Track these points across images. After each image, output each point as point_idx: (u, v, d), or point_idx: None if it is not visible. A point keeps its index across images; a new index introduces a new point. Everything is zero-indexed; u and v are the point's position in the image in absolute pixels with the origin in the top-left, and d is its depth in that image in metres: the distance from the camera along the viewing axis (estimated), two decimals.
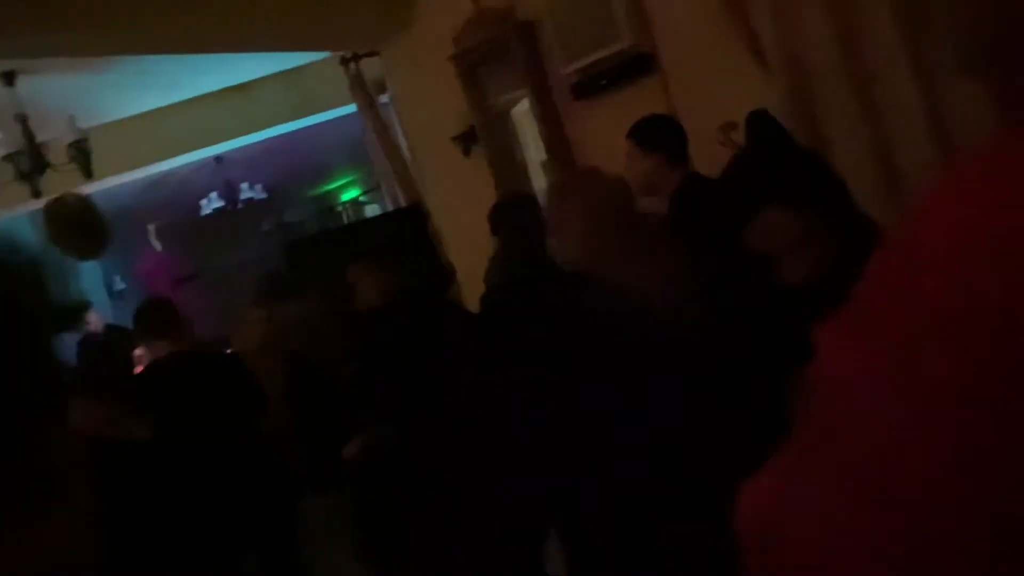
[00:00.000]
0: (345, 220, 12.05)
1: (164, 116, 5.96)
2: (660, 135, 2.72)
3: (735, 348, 1.53)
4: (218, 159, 7.54)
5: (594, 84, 3.71)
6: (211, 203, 8.37)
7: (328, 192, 12.43)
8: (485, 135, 4.28)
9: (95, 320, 5.52)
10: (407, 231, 4.86)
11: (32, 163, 4.29)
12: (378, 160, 5.82)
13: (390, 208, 7.10)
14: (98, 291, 8.00)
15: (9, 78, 4.35)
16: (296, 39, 4.51)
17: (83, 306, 5.14)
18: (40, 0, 3.12)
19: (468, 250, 4.53)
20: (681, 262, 1.72)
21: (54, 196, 4.55)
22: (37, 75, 4.59)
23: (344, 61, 4.94)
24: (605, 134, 3.62)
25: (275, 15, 3.97)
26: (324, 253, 4.72)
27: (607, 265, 1.69)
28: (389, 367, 2.86)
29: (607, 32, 3.55)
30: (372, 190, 11.79)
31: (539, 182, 4.37)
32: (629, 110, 3.48)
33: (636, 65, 3.47)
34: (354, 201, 12.26)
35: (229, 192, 8.29)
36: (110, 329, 5.32)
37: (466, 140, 4.33)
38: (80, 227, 4.48)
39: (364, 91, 5.02)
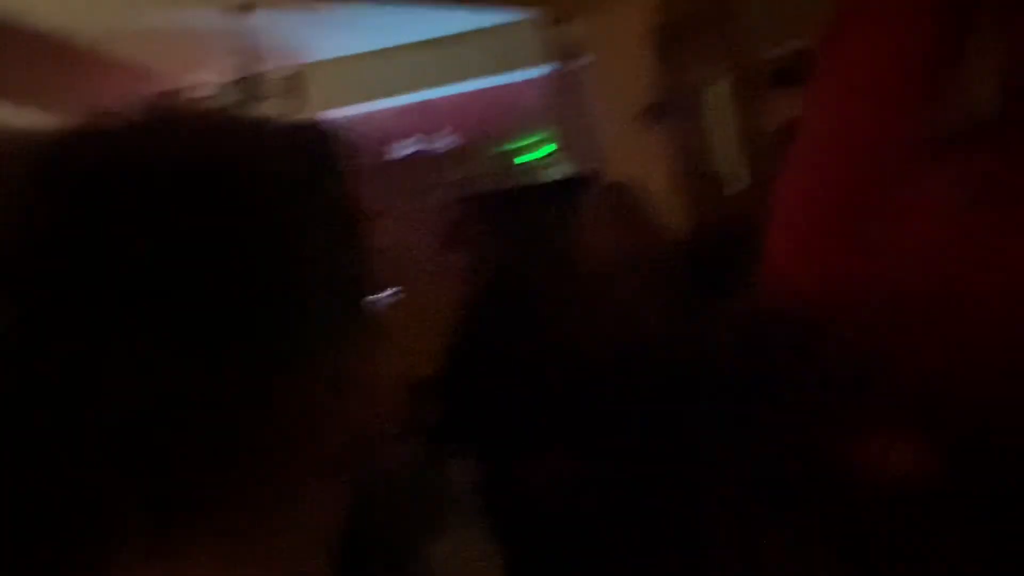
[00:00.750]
0: (527, 179, 12.25)
1: (372, 60, 6.29)
2: None
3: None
4: (415, 106, 7.84)
5: (796, 73, 3.57)
6: (402, 148, 8.73)
7: (514, 149, 12.68)
8: (675, 111, 4.22)
9: None
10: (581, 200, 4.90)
11: (251, 91, 4.65)
12: (566, 125, 5.88)
13: (573, 172, 7.15)
14: None
15: (248, 7, 4.71)
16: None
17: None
18: None
19: None
20: None
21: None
22: (267, 9, 4.96)
23: (543, 23, 4.99)
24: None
25: None
26: (502, 212, 4.85)
27: None
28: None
29: (811, 18, 3.40)
30: (558, 152, 11.92)
31: (727, 165, 4.28)
32: None
33: None
34: (538, 161, 12.46)
35: (421, 140, 8.61)
36: None
37: (655, 114, 4.29)
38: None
39: (561, 54, 5.06)
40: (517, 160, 12.52)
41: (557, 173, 11.81)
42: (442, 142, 8.86)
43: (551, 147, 11.94)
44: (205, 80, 5.10)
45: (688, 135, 4.26)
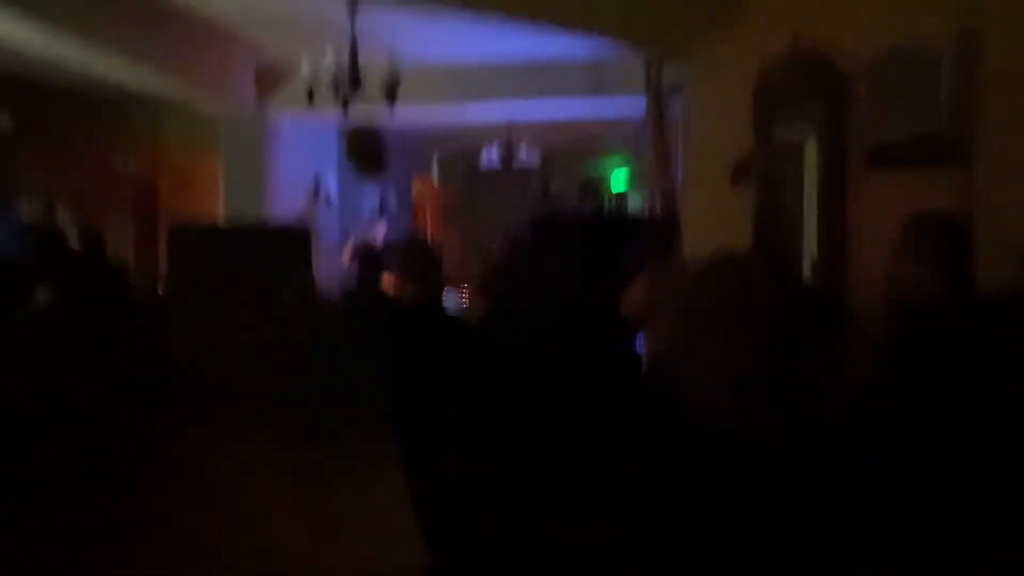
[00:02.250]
0: (606, 204, 12.23)
1: (470, 69, 6.38)
2: (940, 238, 2.44)
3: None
4: (506, 119, 7.91)
5: (893, 155, 3.48)
6: (489, 156, 8.81)
7: (597, 172, 12.68)
8: (760, 172, 4.16)
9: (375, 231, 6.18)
10: (655, 241, 4.88)
11: (349, 84, 4.75)
12: (649, 159, 5.86)
13: (649, 204, 7.12)
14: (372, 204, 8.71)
15: (354, 1, 4.83)
16: (605, 30, 4.61)
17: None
18: None
19: None
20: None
21: (356, 123, 5.01)
22: (375, 5, 5.06)
23: (645, 61, 4.98)
24: (889, 211, 3.41)
25: (590, 4, 4.11)
26: (572, 240, 4.84)
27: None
28: None
29: (923, 108, 3.32)
30: (639, 181, 11.87)
31: (807, 234, 4.21)
32: (922, 196, 3.26)
33: (944, 150, 3.20)
34: (620, 184, 12.43)
35: (507, 152, 8.68)
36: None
37: (740, 171, 4.24)
38: (368, 153, 4.93)
39: (657, 93, 5.04)
40: (603, 183, 12.51)
41: (634, 203, 11.79)
42: (527, 158, 8.91)
43: (629, 176, 11.89)
44: (307, 62, 5.24)
45: (772, 197, 4.19)
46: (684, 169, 5.06)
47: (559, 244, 4.60)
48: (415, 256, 3.43)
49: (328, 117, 6.80)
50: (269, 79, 6.85)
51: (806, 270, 4.20)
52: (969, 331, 2.03)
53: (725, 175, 4.36)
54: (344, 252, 6.56)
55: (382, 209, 9.25)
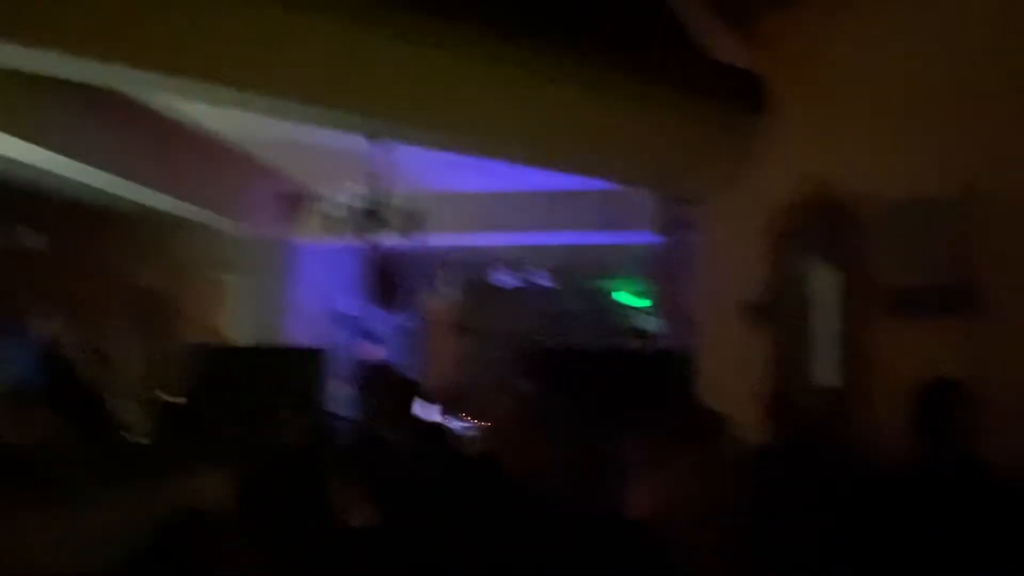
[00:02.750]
0: (618, 322, 12.26)
1: (485, 199, 6.55)
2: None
3: None
4: (520, 244, 8.05)
5: (911, 303, 3.54)
6: (501, 276, 8.92)
7: (608, 290, 12.77)
8: (779, 313, 4.20)
9: (376, 351, 6.19)
10: (669, 373, 4.90)
11: (372, 217, 4.87)
12: (665, 288, 5.92)
13: (664, 325, 7.13)
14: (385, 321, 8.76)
15: (372, 137, 5.00)
16: (622, 174, 4.74)
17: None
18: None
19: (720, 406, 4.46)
20: None
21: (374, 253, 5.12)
22: (399, 141, 5.24)
23: (662, 201, 5.10)
24: (911, 358, 3.43)
25: (608, 151, 4.23)
26: (580, 371, 4.86)
27: None
28: None
29: (930, 256, 3.40)
30: (651, 302, 11.93)
31: (823, 373, 4.21)
32: (940, 344, 3.29)
33: (955, 299, 3.26)
34: (632, 307, 12.48)
35: (519, 273, 8.79)
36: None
37: (758, 312, 4.27)
38: (388, 282, 5.01)
39: (674, 230, 5.14)
40: (613, 300, 12.56)
41: (646, 323, 11.78)
42: (541, 279, 9.02)
43: (640, 296, 11.94)
44: (334, 191, 5.41)
45: (789, 336, 4.21)
46: (698, 305, 5.10)
47: (569, 377, 4.61)
48: (383, 385, 3.43)
49: (346, 242, 6.94)
50: (291, 204, 7.04)
51: (821, 407, 4.20)
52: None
53: (740, 313, 4.40)
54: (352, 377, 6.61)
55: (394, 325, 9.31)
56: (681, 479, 2.21)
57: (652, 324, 11.73)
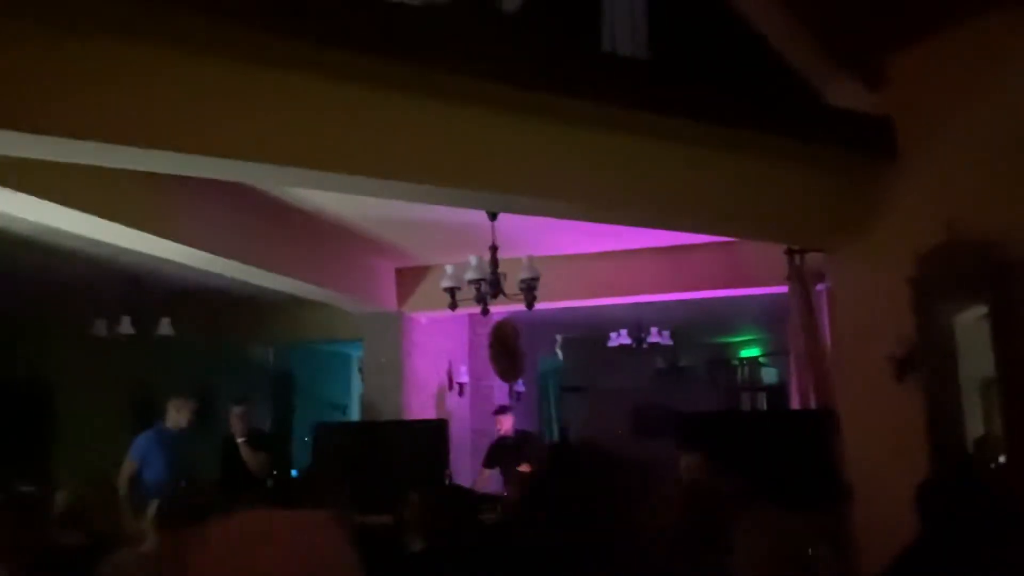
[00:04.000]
0: (740, 376, 11.92)
1: (599, 260, 6.49)
2: None
3: None
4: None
5: None
6: (619, 338, 8.79)
7: (726, 344, 12.44)
8: (928, 364, 3.93)
9: (506, 423, 6.27)
10: (814, 433, 4.66)
11: (492, 289, 4.88)
12: (796, 346, 5.68)
13: (785, 381, 6.83)
14: (501, 393, 8.76)
15: (494, 215, 5.04)
16: (743, 229, 4.60)
17: None
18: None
19: (870, 466, 4.20)
20: None
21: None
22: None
23: (789, 252, 4.92)
24: None
25: (728, 207, 4.11)
26: (721, 434, 4.68)
27: None
28: None
29: None
30: (772, 354, 11.56)
31: (974, 424, 3.92)
32: None
33: None
34: (752, 360, 12.11)
35: (637, 332, 8.64)
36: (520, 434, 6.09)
37: (904, 365, 4.02)
38: (508, 354, 5.00)
39: (803, 283, 4.94)
40: (733, 355, 12.22)
41: (768, 376, 11.38)
42: (659, 338, 8.85)
43: (766, 346, 11.56)
44: (450, 263, 5.45)
45: (943, 390, 3.93)
46: (836, 360, 4.86)
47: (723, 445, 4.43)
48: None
49: (461, 313, 7.01)
50: (409, 277, 7.16)
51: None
52: None
53: (884, 367, 4.15)
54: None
55: (510, 394, 9.29)
56: None
57: (773, 373, 11.37)
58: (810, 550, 2.49)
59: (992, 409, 3.84)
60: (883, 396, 4.21)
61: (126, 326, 7.00)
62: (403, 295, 7.22)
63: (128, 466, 5.82)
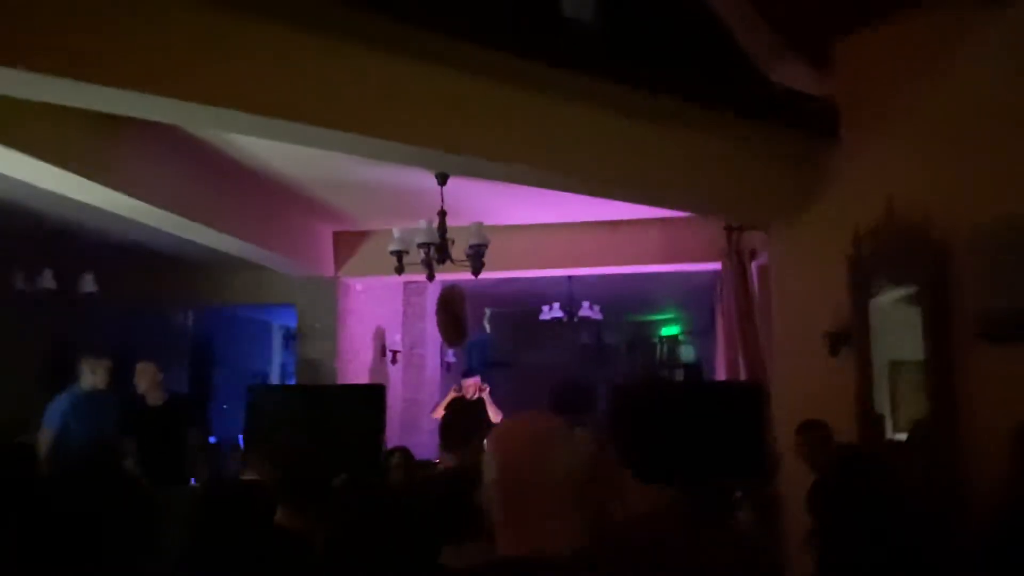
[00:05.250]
0: (659, 353, 12.19)
1: (544, 232, 6.54)
2: None
3: None
4: (570, 276, 8.02)
5: (1000, 325, 3.45)
6: (552, 312, 8.88)
7: (648, 322, 12.72)
8: (860, 340, 4.12)
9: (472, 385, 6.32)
10: (744, 407, 4.80)
11: (440, 255, 4.86)
12: (727, 322, 5.84)
13: (702, 359, 6.99)
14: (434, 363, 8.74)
15: (443, 178, 5.02)
16: (687, 203, 4.71)
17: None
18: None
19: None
20: None
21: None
22: (461, 178, 5.25)
23: (728, 229, 5.06)
24: (1007, 389, 3.34)
25: (673, 180, 4.21)
26: (651, 406, 4.77)
27: None
28: None
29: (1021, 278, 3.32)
30: (691, 333, 11.87)
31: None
32: None
33: None
34: (672, 338, 12.42)
35: (570, 306, 8.75)
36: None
37: (837, 340, 4.20)
38: (454, 319, 5.00)
39: (739, 261, 5.09)
40: (654, 333, 12.47)
41: (687, 354, 11.69)
42: (590, 312, 8.98)
43: (686, 325, 11.84)
44: (396, 227, 5.39)
45: (871, 366, 4.13)
46: (771, 334, 5.03)
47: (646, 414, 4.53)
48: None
49: (396, 280, 6.96)
50: (346, 242, 7.06)
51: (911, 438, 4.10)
52: None
53: (820, 341, 4.33)
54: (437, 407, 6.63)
55: (441, 363, 9.28)
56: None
57: (692, 352, 11.69)
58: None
59: (898, 388, 4.05)
60: (817, 370, 4.39)
61: (48, 279, 6.66)
62: (340, 260, 7.12)
63: (45, 433, 5.51)
